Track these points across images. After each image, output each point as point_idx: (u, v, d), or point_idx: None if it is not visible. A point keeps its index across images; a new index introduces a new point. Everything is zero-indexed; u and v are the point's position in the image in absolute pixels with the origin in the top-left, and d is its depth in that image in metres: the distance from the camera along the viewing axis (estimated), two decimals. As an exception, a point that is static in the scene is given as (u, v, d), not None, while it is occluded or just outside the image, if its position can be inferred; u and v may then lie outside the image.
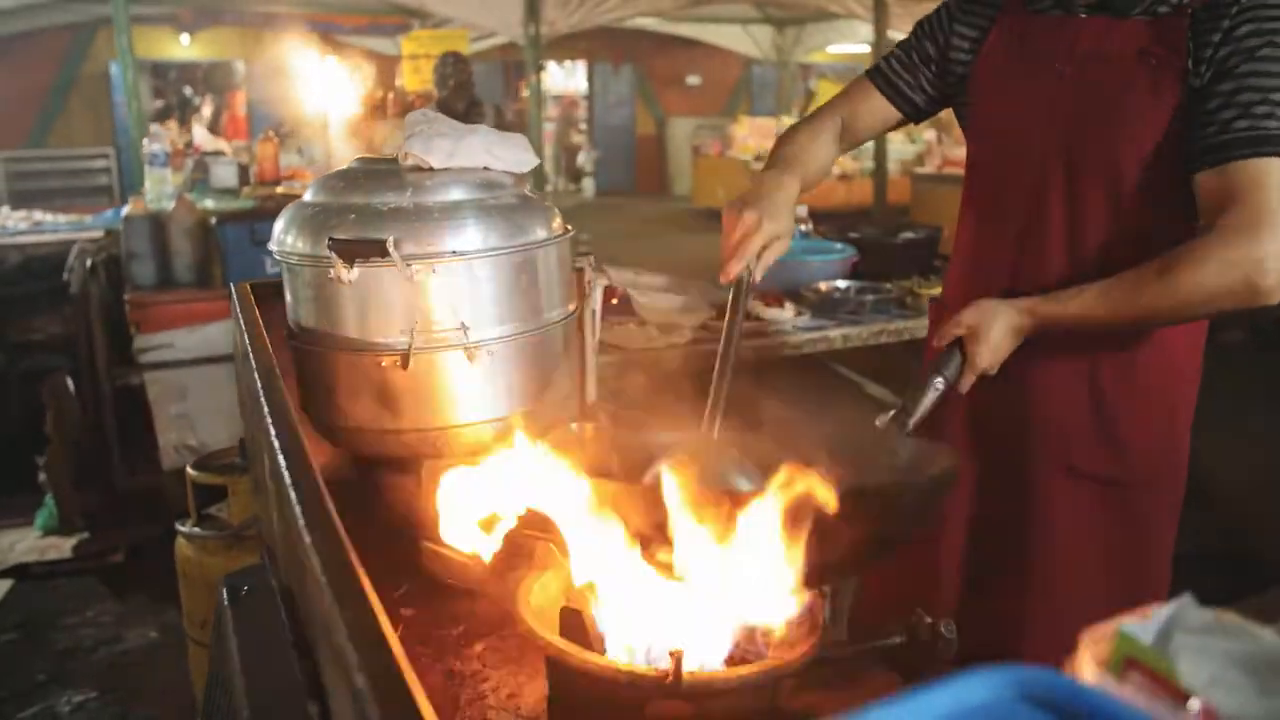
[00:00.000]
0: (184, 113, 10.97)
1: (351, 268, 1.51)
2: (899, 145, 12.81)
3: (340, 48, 6.09)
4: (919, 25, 1.68)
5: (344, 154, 5.54)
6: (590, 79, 17.27)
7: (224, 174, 4.57)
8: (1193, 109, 1.35)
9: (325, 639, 0.81)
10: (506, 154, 1.64)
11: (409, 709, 0.61)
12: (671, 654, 1.06)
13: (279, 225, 1.65)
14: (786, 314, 2.82)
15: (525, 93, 15.75)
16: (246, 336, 1.52)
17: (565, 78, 17.78)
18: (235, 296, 1.85)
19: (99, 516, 3.83)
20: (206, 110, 10.64)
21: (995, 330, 1.35)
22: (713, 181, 13.95)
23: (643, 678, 1.07)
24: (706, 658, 1.14)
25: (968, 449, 1.63)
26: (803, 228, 3.75)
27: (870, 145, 13.93)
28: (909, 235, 3.66)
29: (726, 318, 1.39)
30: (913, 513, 1.20)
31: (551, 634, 1.16)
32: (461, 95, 5.49)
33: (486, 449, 1.69)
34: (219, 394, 3.71)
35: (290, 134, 5.79)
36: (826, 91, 18.22)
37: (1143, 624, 0.60)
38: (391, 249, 1.47)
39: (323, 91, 5.44)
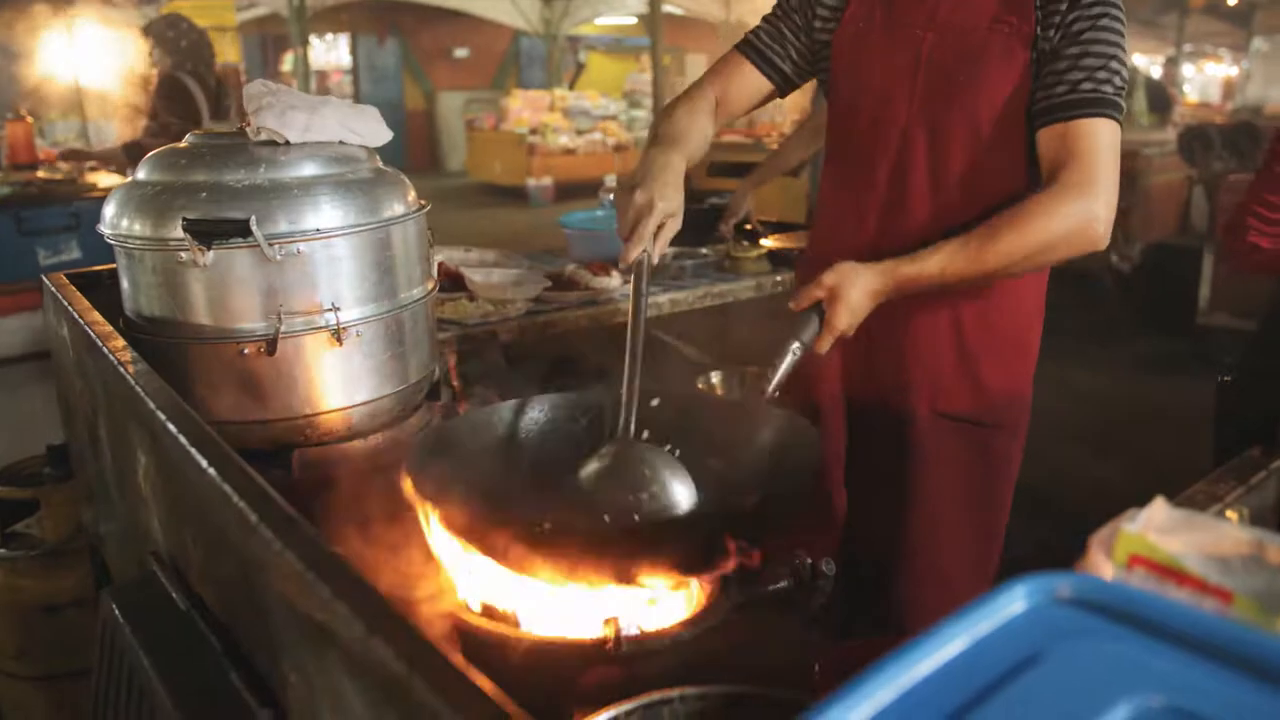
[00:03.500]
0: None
1: (207, 250, 1.41)
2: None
3: (84, 18, 5.52)
4: None
5: (113, 133, 5.09)
6: (354, 52, 16.61)
7: (-34, 159, 4.08)
8: (1042, 69, 1.47)
9: (305, 638, 0.77)
10: (362, 127, 1.58)
11: (473, 691, 0.59)
12: (606, 621, 1.07)
13: (110, 208, 1.52)
14: (614, 282, 2.85)
15: (285, 67, 14.96)
16: (90, 330, 1.39)
17: (326, 51, 17.01)
18: (51, 289, 1.68)
19: None
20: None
21: (855, 292, 1.40)
22: (489, 156, 13.78)
23: (583, 645, 1.08)
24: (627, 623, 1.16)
25: (841, 394, 1.72)
26: (611, 196, 3.79)
27: (645, 116, 14.21)
28: (715, 201, 3.77)
29: (631, 303, 1.37)
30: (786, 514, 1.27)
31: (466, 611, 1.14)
32: (195, 62, 4.31)
33: (357, 433, 1.64)
34: (-8, 403, 3.34)
35: (35, 114, 5.25)
36: (596, 64, 18.40)
37: (1130, 524, 0.66)
38: (254, 228, 1.38)
39: (76, 66, 4.94)
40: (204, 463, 0.92)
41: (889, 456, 1.65)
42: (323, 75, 16.52)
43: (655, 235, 1.40)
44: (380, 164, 1.67)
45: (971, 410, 1.62)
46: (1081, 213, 1.39)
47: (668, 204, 1.40)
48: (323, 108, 1.53)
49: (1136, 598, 0.57)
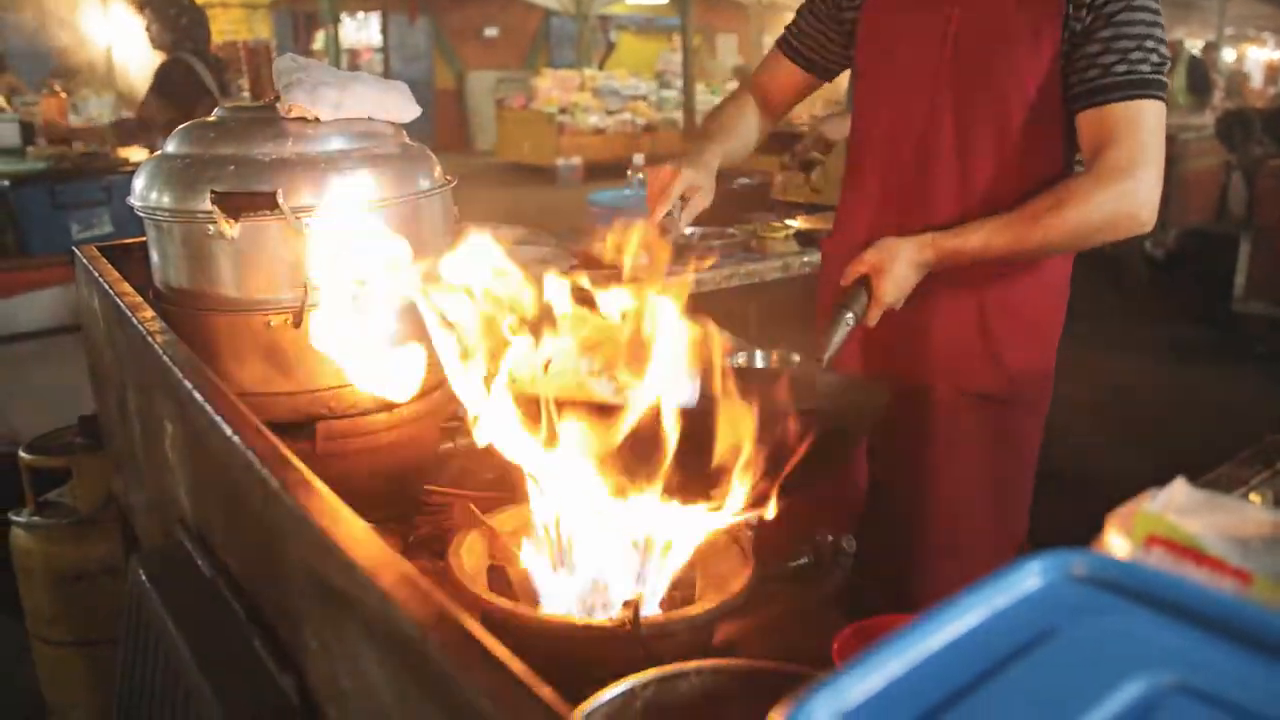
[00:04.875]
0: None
1: (235, 222, 1.42)
2: (705, 96, 13.04)
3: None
4: None
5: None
6: (384, 31, 16.63)
7: (5, 133, 4.12)
8: (1075, 51, 1.45)
9: (323, 604, 0.78)
10: (391, 102, 1.58)
11: (487, 657, 0.60)
12: (626, 604, 1.06)
13: (140, 181, 1.53)
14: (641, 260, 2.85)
15: (317, 45, 15.01)
16: (120, 302, 1.41)
17: (357, 29, 17.05)
18: (84, 261, 1.70)
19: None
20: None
21: (899, 266, 1.42)
22: (518, 135, 13.78)
23: (602, 629, 1.07)
24: (649, 602, 1.17)
25: (862, 369, 1.73)
26: (641, 176, 3.79)
27: (675, 96, 14.14)
28: (744, 181, 3.76)
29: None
30: (857, 429, 1.27)
31: (486, 592, 1.15)
32: (196, 40, 4.14)
33: (381, 406, 1.65)
34: (25, 374, 3.39)
35: (69, 88, 5.30)
36: (627, 44, 18.32)
37: (1150, 504, 0.66)
38: (281, 201, 1.39)
39: (108, 41, 4.96)
40: (228, 430, 0.93)
41: (910, 434, 1.66)
42: (354, 53, 16.56)
43: (682, 205, 1.43)
44: (407, 139, 1.67)
45: (993, 388, 1.63)
46: (1123, 196, 1.39)
47: (695, 174, 1.44)
48: (353, 83, 1.54)
49: (1151, 577, 0.56)
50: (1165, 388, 4.74)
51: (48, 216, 3.54)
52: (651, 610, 1.18)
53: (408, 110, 1.62)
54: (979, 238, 1.42)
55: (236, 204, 1.41)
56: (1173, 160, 6.10)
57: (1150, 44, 1.41)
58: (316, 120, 1.49)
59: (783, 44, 1.76)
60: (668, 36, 17.46)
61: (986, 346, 1.62)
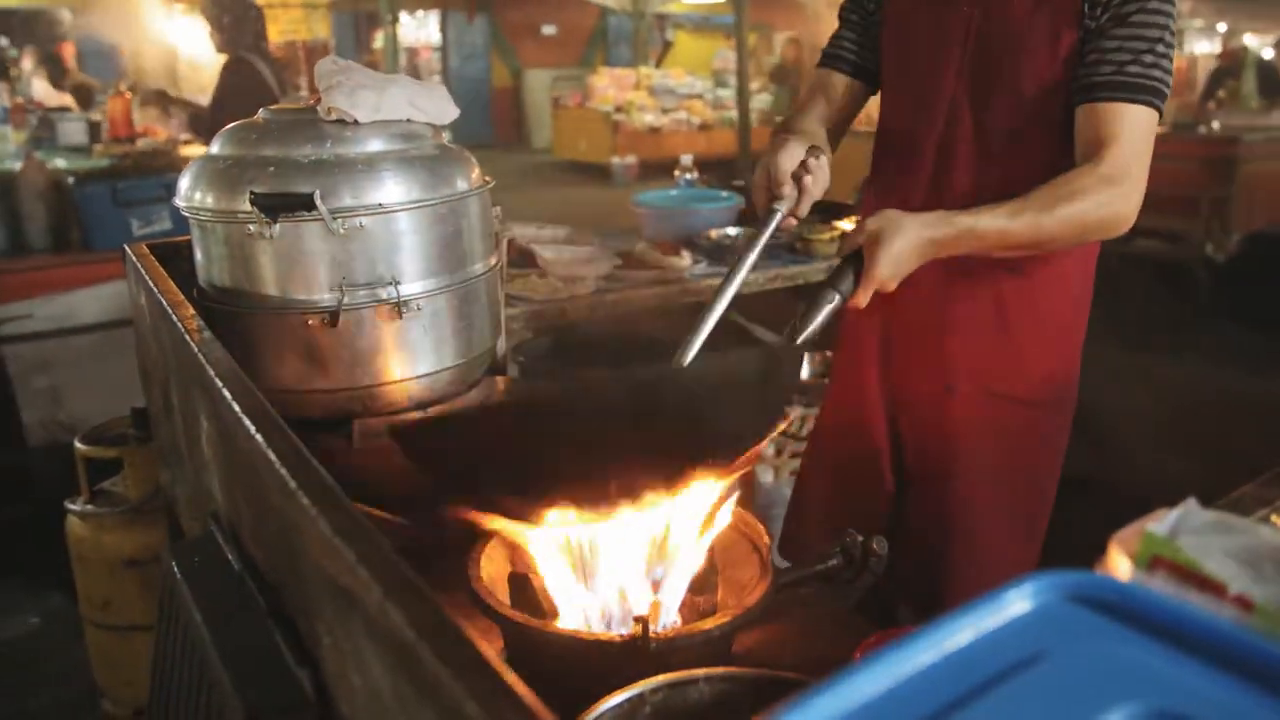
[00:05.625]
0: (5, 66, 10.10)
1: (274, 223, 1.45)
2: (759, 96, 12.98)
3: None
4: None
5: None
6: (443, 30, 16.80)
7: (72, 131, 4.26)
8: (1088, 45, 1.45)
9: (334, 602, 0.79)
10: (429, 105, 1.60)
11: (477, 660, 0.60)
12: (637, 619, 1.05)
13: (185, 181, 1.57)
14: (684, 262, 2.85)
15: (377, 44, 15.21)
16: (163, 299, 1.44)
17: (417, 29, 17.25)
18: (133, 259, 1.75)
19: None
20: (27, 63, 9.82)
21: (899, 240, 1.33)
22: (574, 133, 13.84)
23: (611, 644, 1.07)
24: (664, 613, 1.16)
25: (882, 375, 1.72)
26: (688, 176, 3.78)
27: (731, 95, 14.09)
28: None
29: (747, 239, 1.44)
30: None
31: (506, 602, 1.15)
32: (254, 37, 4.20)
33: (417, 404, 1.68)
34: (88, 366, 3.49)
35: (136, 87, 5.44)
36: (684, 42, 18.29)
37: (1157, 525, 0.64)
38: (318, 202, 1.42)
39: (173, 43, 5.09)
40: (252, 428, 0.95)
41: (931, 434, 1.65)
42: (413, 52, 16.77)
43: (799, 185, 1.44)
44: (446, 141, 1.70)
45: (1015, 388, 1.62)
46: (1122, 199, 1.40)
47: (807, 139, 1.46)
48: (391, 86, 1.56)
49: (1148, 600, 0.55)
50: (1224, 396, 4.61)
51: (109, 213, 3.65)
52: (670, 618, 1.18)
53: (446, 112, 1.65)
54: (996, 221, 1.37)
55: (275, 205, 1.44)
56: (1237, 162, 5.95)
57: (1161, 48, 1.41)
58: (355, 122, 1.51)
59: (827, 59, 1.74)
60: (725, 35, 17.40)
61: (1008, 345, 1.61)
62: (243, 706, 0.91)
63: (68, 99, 5.58)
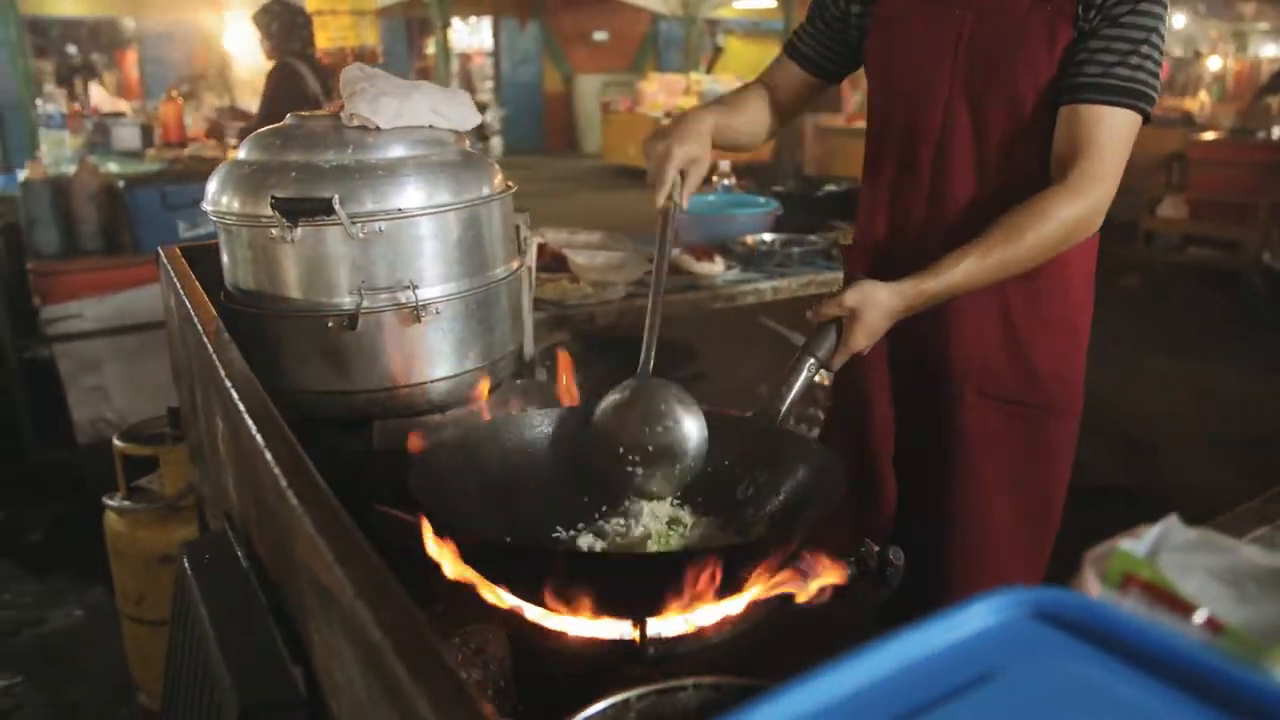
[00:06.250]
0: (71, 72, 10.41)
1: (295, 227, 1.47)
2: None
3: (233, 6, 5.81)
4: None
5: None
6: (496, 36, 16.95)
7: (126, 136, 4.36)
8: (1078, 46, 1.43)
9: (320, 601, 0.80)
10: (451, 111, 1.61)
11: (435, 662, 0.61)
12: (634, 624, 1.05)
13: (213, 185, 1.60)
14: (717, 268, 2.85)
15: (429, 50, 15.40)
16: (187, 300, 1.48)
17: (469, 35, 17.43)
18: (164, 261, 1.79)
19: (11, 495, 3.68)
20: (105, 70, 10.09)
21: (874, 314, 1.37)
22: (623, 138, 13.87)
23: (609, 645, 1.07)
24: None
25: (888, 379, 1.71)
26: (726, 182, 3.77)
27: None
28: (831, 188, 3.72)
29: (656, 245, 1.46)
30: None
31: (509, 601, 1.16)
32: (302, 44, 4.33)
33: (436, 407, 1.69)
34: (135, 365, 3.58)
35: (191, 94, 5.57)
36: (734, 48, 18.27)
37: (1135, 542, 0.63)
38: (337, 207, 1.44)
39: (230, 50, 5.21)
40: (253, 428, 0.97)
41: (936, 439, 1.64)
42: (465, 58, 16.95)
43: (682, 182, 1.48)
44: (468, 147, 1.71)
45: (1020, 392, 1.60)
46: (1088, 209, 1.41)
47: (686, 150, 1.48)
48: (413, 93, 1.58)
49: (1113, 619, 0.54)
50: (1270, 404, 4.49)
51: (158, 216, 3.74)
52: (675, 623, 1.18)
53: (468, 118, 1.66)
54: (960, 273, 1.39)
55: (296, 209, 1.46)
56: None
57: (1146, 49, 1.40)
58: (377, 129, 1.53)
59: (789, 49, 1.76)
60: (775, 40, 17.35)
61: (1013, 348, 1.59)
62: (238, 702, 0.93)
63: (123, 104, 5.72)
